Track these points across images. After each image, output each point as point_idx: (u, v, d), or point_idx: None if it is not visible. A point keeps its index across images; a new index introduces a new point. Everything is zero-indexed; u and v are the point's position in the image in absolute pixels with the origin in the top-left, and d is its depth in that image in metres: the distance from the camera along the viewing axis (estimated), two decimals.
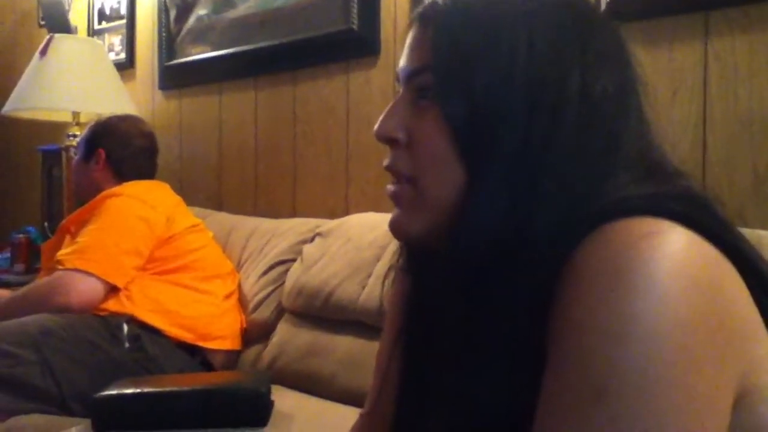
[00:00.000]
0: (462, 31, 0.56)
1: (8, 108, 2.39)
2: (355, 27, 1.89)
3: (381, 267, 1.47)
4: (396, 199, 0.60)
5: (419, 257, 0.65)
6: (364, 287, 1.50)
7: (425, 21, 0.59)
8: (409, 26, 0.61)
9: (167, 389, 1.34)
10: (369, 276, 1.50)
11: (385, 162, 0.61)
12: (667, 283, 0.44)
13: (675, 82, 1.36)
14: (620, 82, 0.56)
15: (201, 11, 2.36)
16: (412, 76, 0.59)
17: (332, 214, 1.85)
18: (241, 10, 2.23)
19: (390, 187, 0.61)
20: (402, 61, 0.61)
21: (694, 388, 0.43)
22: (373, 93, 1.90)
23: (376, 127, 0.60)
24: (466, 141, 0.55)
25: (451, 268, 0.55)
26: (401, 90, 0.61)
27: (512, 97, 0.53)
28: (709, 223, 0.48)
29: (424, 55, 0.58)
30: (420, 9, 0.60)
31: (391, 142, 0.60)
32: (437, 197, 0.56)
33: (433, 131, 0.56)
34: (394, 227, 0.61)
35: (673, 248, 0.45)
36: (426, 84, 0.58)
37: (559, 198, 0.52)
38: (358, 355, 1.44)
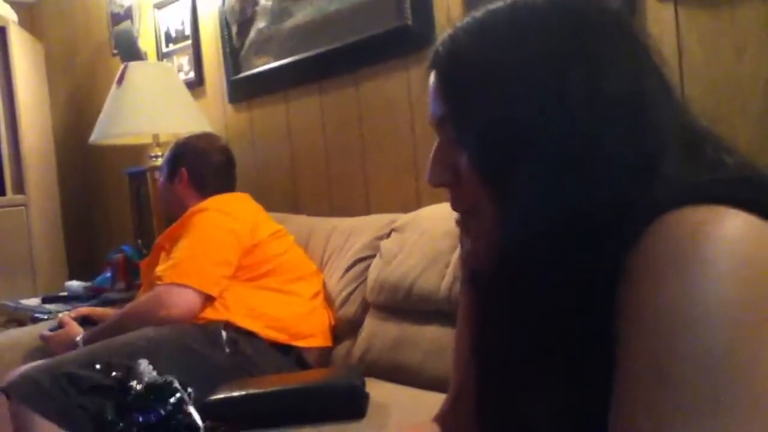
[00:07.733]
0: (461, 77, 0.60)
1: (95, 137, 2.54)
2: (409, 23, 1.94)
3: (457, 256, 1.51)
4: (464, 229, 0.64)
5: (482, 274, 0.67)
6: (443, 277, 1.54)
7: (434, 69, 0.64)
8: (428, 71, 0.65)
9: (270, 389, 1.43)
10: (447, 266, 1.54)
11: (450, 203, 0.65)
12: (721, 267, 0.45)
13: (740, 42, 1.34)
14: (635, 70, 0.56)
15: (260, 24, 2.44)
16: (438, 124, 0.64)
17: (405, 208, 1.90)
18: (298, 18, 2.29)
19: (458, 218, 0.65)
20: (429, 108, 0.65)
21: (755, 368, 0.44)
22: None
23: (427, 175, 0.65)
24: (494, 171, 0.58)
25: (515, 276, 0.57)
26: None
27: (523, 120, 0.55)
28: (765, 203, 0.48)
29: (439, 104, 0.63)
30: (430, 56, 0.65)
31: (443, 185, 0.64)
32: (495, 223, 0.58)
33: (470, 169, 0.60)
34: (469, 258, 0.65)
35: (727, 233, 0.46)
36: (451, 129, 0.62)
37: (605, 193, 0.53)
38: (443, 344, 1.48)
